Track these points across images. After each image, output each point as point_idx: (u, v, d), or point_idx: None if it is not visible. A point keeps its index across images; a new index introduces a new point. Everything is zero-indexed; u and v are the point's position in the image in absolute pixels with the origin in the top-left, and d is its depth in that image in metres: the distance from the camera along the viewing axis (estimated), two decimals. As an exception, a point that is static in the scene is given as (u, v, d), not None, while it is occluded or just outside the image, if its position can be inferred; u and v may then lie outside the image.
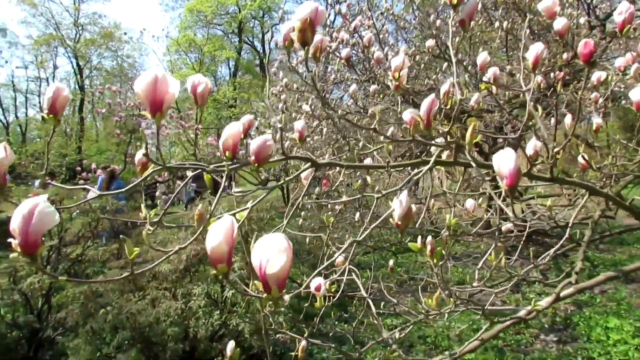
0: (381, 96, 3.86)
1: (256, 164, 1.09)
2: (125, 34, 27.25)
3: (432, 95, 1.20)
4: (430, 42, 2.98)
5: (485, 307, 1.75)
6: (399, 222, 1.01)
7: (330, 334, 4.31)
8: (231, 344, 1.99)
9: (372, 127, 1.15)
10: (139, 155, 1.30)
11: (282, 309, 3.24)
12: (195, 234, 3.29)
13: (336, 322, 4.91)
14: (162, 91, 0.90)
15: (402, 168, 1.46)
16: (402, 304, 2.20)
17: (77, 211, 6.78)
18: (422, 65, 4.22)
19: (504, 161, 1.07)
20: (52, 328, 4.03)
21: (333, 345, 2.01)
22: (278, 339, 4.49)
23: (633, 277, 4.69)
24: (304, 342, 1.99)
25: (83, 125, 16.77)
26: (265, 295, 0.66)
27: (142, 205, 1.39)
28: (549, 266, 5.77)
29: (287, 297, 0.90)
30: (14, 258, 0.72)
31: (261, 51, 28.52)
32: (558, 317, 4.56)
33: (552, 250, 2.06)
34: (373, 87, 3.22)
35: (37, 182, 9.05)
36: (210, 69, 19.57)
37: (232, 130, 1.11)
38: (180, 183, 10.05)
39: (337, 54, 4.01)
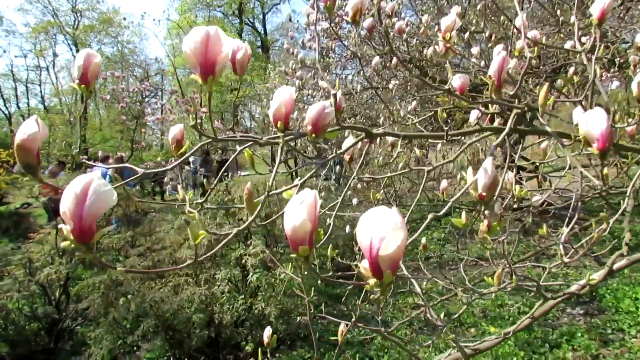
0: (401, 70, 3.70)
1: (313, 134, 0.97)
2: (124, 19, 26.81)
3: (504, 53, 1.06)
4: (456, 9, 2.81)
5: (540, 282, 1.64)
6: (484, 194, 0.89)
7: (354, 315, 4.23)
8: (268, 331, 1.91)
9: (447, 87, 1.03)
10: (175, 131, 1.18)
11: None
12: (216, 218, 3.16)
13: (359, 303, 4.83)
14: (214, 51, 0.78)
15: (458, 137, 1.34)
16: (446, 279, 2.09)
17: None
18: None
19: (595, 121, 0.95)
20: (71, 318, 3.98)
21: (360, 324, 1.91)
22: (301, 322, 4.46)
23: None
24: (342, 326, 1.90)
25: (86, 113, 16.59)
26: (373, 281, 0.55)
27: (180, 187, 1.28)
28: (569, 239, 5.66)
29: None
30: (66, 246, 0.61)
31: (262, 32, 28.05)
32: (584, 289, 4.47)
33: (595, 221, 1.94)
34: (395, 60, 3.07)
35: (47, 171, 8.98)
36: (212, 53, 19.42)
37: (284, 96, 0.99)
38: (189, 169, 9.95)
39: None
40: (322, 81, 3.55)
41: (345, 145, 1.47)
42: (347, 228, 3.43)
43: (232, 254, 3.41)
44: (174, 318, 3.34)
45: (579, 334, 3.54)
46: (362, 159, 1.23)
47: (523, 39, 1.14)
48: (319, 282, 1.84)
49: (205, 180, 1.51)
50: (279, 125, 0.99)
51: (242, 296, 3.44)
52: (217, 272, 3.44)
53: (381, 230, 0.52)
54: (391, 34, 3.61)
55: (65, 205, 0.58)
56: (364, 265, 0.56)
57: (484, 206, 0.90)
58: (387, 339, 1.82)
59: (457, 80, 1.50)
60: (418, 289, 1.78)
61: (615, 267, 1.85)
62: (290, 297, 3.79)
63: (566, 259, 1.48)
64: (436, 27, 3.88)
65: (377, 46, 3.80)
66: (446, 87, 1.02)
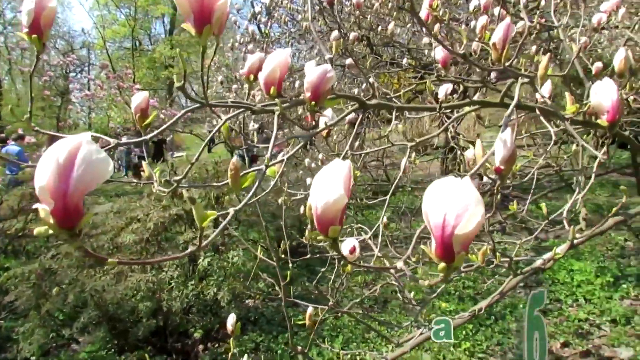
0: (360, 45, 3.62)
1: (313, 102, 0.86)
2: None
3: (508, 19, 1.01)
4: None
5: (512, 258, 1.65)
6: (502, 167, 0.83)
7: (303, 296, 4.20)
8: (232, 318, 1.78)
9: (461, 52, 0.95)
10: (139, 99, 1.02)
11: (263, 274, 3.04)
12: (162, 200, 2.92)
13: (307, 284, 4.80)
14: (212, -4, 0.65)
15: (449, 110, 1.29)
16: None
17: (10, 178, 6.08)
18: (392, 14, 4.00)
19: (606, 92, 0.92)
20: (-6, 312, 3.60)
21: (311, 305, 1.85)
22: (251, 306, 4.35)
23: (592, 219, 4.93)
24: (310, 309, 1.84)
25: (0, 87, 15.02)
26: (442, 265, 0.47)
27: (145, 164, 1.12)
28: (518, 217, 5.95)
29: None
30: (40, 233, 0.47)
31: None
32: (521, 263, 4.72)
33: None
34: (353, 34, 2.99)
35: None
36: (144, 26, 17.98)
37: (279, 57, 0.87)
38: (122, 149, 9.37)
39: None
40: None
41: (322, 121, 1.37)
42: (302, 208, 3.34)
43: (181, 238, 3.22)
44: (118, 307, 3.11)
45: (521, 306, 3.72)
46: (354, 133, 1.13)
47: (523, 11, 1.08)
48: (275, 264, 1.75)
49: (144, 161, 1.34)
50: (271, 91, 0.87)
51: (192, 281, 3.27)
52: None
53: (459, 205, 0.43)
54: (347, 8, 3.52)
55: (43, 178, 0.44)
56: (426, 248, 0.47)
57: (500, 180, 0.84)
58: (361, 322, 1.77)
59: (439, 53, 1.45)
60: (400, 264, 1.74)
61: (575, 241, 1.92)
62: (243, 281, 3.67)
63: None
64: (390, 4, 3.84)
65: (330, 22, 3.69)
66: (461, 51, 0.94)
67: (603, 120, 0.91)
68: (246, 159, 7.83)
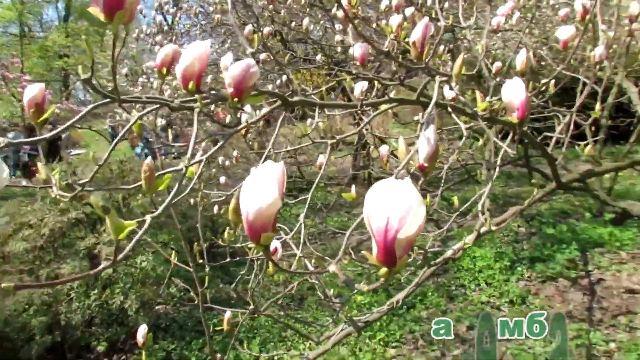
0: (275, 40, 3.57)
1: (236, 99, 0.81)
2: None
3: (426, 19, 1.03)
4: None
5: (427, 250, 1.73)
6: (425, 164, 0.84)
7: (218, 299, 4.08)
8: (143, 329, 1.66)
9: (385, 50, 0.95)
10: (33, 92, 0.90)
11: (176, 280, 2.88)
12: (59, 203, 2.68)
13: (221, 285, 4.67)
14: (125, -26, 0.57)
15: (369, 108, 1.30)
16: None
17: None
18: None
19: (515, 91, 0.97)
20: None
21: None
22: (162, 312, 4.12)
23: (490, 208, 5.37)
24: (228, 313, 1.78)
25: None
26: (384, 270, 0.45)
27: (41, 165, 0.99)
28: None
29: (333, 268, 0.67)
30: None
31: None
32: (428, 253, 5.00)
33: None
34: (267, 29, 2.95)
35: None
36: (34, 11, 16.12)
37: (198, 50, 0.80)
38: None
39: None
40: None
41: (244, 117, 1.32)
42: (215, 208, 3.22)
43: (82, 244, 2.95)
44: (6, 325, 2.78)
45: (430, 293, 3.94)
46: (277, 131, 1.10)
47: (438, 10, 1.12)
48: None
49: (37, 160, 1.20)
50: (190, 86, 0.81)
51: (95, 291, 3.01)
52: (62, 267, 2.96)
53: (402, 208, 0.42)
54: (261, 2, 3.45)
55: None
56: (368, 254, 0.45)
57: (423, 176, 0.86)
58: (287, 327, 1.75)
59: (357, 49, 1.46)
60: (333, 267, 1.73)
61: (482, 231, 2.06)
62: (151, 287, 3.47)
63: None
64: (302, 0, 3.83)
65: (243, 16, 3.59)
66: (385, 49, 0.94)
67: (514, 118, 0.97)
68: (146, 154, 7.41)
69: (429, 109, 0.93)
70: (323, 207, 6.12)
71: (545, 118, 3.61)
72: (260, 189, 0.50)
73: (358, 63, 1.40)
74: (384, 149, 2.23)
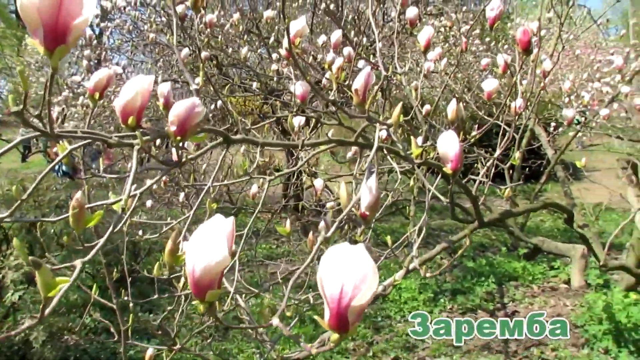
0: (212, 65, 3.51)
1: (178, 137, 0.78)
2: None
3: (368, 68, 1.07)
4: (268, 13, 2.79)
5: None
6: (367, 212, 0.86)
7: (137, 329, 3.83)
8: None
9: (331, 99, 0.96)
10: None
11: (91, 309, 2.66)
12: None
13: (140, 314, 4.40)
14: (71, 10, 0.53)
15: (310, 148, 1.31)
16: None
17: None
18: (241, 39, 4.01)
19: (450, 144, 1.03)
20: None
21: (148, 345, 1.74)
22: (71, 343, 3.79)
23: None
24: (150, 350, 1.69)
25: None
26: (336, 336, 0.44)
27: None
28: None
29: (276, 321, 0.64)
30: None
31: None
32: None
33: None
34: (204, 54, 2.92)
35: None
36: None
37: (142, 84, 0.77)
38: None
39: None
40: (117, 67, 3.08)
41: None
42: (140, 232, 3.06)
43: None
44: None
45: (362, 326, 3.96)
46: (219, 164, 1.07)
47: (379, 55, 1.17)
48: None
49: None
50: (130, 121, 0.77)
51: (-5, 322, 2.72)
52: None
53: (356, 276, 0.42)
54: (197, 25, 3.40)
55: None
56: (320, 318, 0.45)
57: (364, 225, 0.87)
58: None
59: (299, 88, 1.47)
60: (276, 321, 1.69)
61: (410, 267, 2.13)
62: (61, 316, 3.20)
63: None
64: (240, 27, 3.84)
65: (179, 37, 3.52)
66: (331, 98, 0.96)
67: (448, 168, 1.02)
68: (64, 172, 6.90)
69: (370, 157, 0.96)
70: (253, 234, 6.01)
71: (467, 157, 3.86)
72: (209, 245, 0.48)
73: (299, 101, 1.41)
74: (318, 183, 2.25)
